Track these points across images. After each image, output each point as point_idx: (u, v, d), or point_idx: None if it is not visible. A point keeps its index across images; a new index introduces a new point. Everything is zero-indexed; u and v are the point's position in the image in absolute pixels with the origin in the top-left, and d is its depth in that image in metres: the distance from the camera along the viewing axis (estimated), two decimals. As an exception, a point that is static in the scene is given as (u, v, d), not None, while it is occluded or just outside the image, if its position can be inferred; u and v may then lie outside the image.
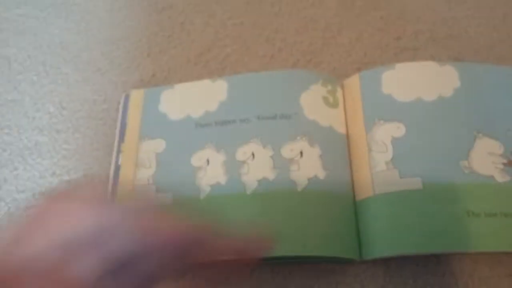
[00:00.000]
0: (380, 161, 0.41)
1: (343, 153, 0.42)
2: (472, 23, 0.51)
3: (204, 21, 0.54)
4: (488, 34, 0.50)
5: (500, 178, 0.39)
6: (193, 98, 0.46)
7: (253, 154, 0.42)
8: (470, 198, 0.38)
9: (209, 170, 0.42)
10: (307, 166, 0.41)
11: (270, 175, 0.41)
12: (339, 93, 0.46)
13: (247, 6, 0.55)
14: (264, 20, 0.53)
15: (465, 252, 0.38)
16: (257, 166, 0.41)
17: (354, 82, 0.46)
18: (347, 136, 0.44)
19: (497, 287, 0.38)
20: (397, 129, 0.42)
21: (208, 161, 0.42)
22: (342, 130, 0.44)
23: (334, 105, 0.45)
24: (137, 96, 0.48)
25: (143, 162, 0.44)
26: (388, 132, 0.42)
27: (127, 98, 0.48)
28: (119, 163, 0.45)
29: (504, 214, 0.37)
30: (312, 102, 0.44)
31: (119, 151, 0.45)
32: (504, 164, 0.40)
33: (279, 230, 0.38)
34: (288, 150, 0.42)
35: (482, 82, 0.44)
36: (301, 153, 0.41)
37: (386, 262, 0.39)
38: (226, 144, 0.43)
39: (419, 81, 0.44)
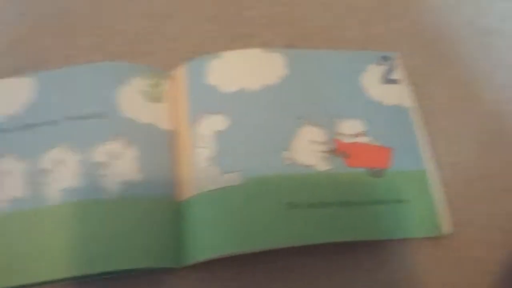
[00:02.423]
0: (202, 157, 0.41)
1: (166, 152, 0.42)
2: (306, 6, 0.52)
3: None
4: (320, 17, 0.52)
5: (321, 167, 0.41)
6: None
7: (59, 161, 0.40)
8: (290, 190, 0.39)
9: (7, 183, 0.39)
10: (121, 170, 0.40)
11: (76, 183, 0.39)
12: (164, 86, 0.45)
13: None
14: (86, 7, 0.51)
15: (287, 246, 0.38)
16: (61, 174, 0.39)
17: (180, 73, 0.45)
18: (174, 132, 0.43)
19: (319, 279, 0.39)
20: (220, 122, 0.42)
21: (6, 173, 0.40)
22: (166, 126, 0.43)
23: (157, 99, 0.44)
24: None
25: None
26: (211, 125, 0.42)
27: None
28: None
29: (324, 204, 0.39)
30: (130, 97, 0.43)
31: None
32: (326, 152, 0.41)
33: (85, 245, 0.37)
34: (100, 153, 0.40)
35: (307, 68, 0.45)
36: (115, 155, 0.40)
37: (208, 266, 0.39)
38: (30, 152, 0.40)
39: (244, 70, 0.44)
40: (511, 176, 0.44)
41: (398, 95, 0.46)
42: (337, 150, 0.42)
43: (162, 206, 0.39)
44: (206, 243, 0.38)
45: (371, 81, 0.46)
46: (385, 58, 0.48)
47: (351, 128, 0.43)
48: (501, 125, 0.46)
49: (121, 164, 0.40)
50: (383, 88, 0.46)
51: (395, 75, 0.47)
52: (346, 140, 0.42)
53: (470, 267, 0.40)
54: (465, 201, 0.42)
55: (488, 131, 0.46)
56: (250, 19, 0.51)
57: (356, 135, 0.43)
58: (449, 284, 0.39)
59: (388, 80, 0.47)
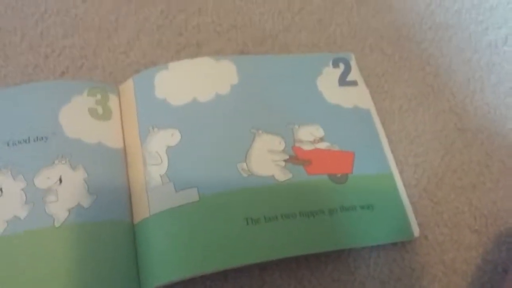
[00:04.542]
0: (155, 175, 0.39)
1: (117, 171, 0.40)
2: (256, 11, 0.51)
3: None
4: (272, 22, 0.50)
5: (281, 177, 0.39)
6: None
7: (1, 190, 0.37)
8: (249, 204, 0.37)
9: None
10: (68, 194, 0.37)
11: (22, 212, 0.36)
12: (113, 102, 0.43)
13: (7, 9, 0.50)
14: (25, 23, 0.49)
15: (250, 264, 0.36)
16: (5, 204, 0.37)
17: (128, 87, 0.43)
18: (124, 150, 0.41)
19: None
20: (171, 137, 0.40)
21: None
22: (116, 144, 0.41)
23: (105, 117, 0.42)
24: None
25: None
26: (162, 141, 0.40)
27: None
28: None
29: (284, 216, 0.37)
30: (75, 117, 0.41)
31: None
32: (285, 160, 0.40)
33: (34, 277, 0.34)
34: (44, 179, 0.38)
35: (260, 75, 0.44)
36: (61, 179, 0.38)
37: (170, 290, 0.37)
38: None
39: (194, 80, 0.43)
40: (475, 172, 0.43)
41: (357, 97, 0.45)
42: (297, 158, 0.40)
43: (116, 230, 0.37)
44: (163, 266, 0.36)
45: (328, 84, 0.45)
46: (340, 60, 0.47)
47: (310, 134, 0.42)
48: (463, 122, 0.46)
49: (68, 188, 0.37)
50: (341, 90, 0.45)
51: (351, 77, 0.46)
52: (306, 147, 0.41)
53: (441, 270, 0.39)
54: (431, 202, 0.41)
55: (450, 128, 0.45)
56: (198, 27, 0.50)
57: (315, 141, 0.41)
58: (421, 289, 0.38)
59: (345, 82, 0.46)
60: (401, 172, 0.42)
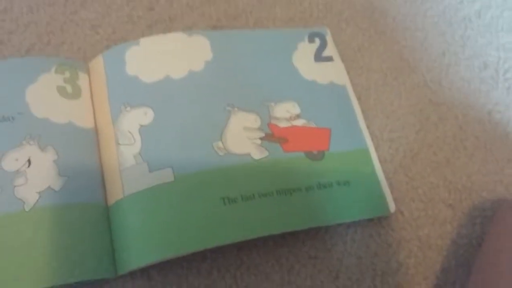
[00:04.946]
0: (128, 155, 0.38)
1: (88, 152, 0.38)
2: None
3: None
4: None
5: (257, 155, 0.38)
6: None
7: (-35, 173, 0.36)
8: (225, 183, 0.37)
9: None
10: (38, 176, 0.36)
11: (-12, 196, 0.35)
12: (82, 80, 0.41)
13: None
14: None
15: (227, 244, 0.36)
16: (-30, 188, 0.35)
17: (98, 64, 0.42)
18: (96, 130, 0.39)
19: (266, 273, 0.37)
20: (144, 115, 0.39)
21: None
22: (87, 124, 0.39)
23: (75, 95, 0.40)
24: None
25: None
26: (135, 120, 0.39)
27: None
28: None
29: (261, 194, 0.37)
30: (42, 96, 0.39)
31: None
32: (261, 138, 0.39)
33: (4, 264, 0.33)
34: (12, 161, 0.36)
35: (235, 51, 0.43)
36: (29, 161, 0.36)
37: (146, 272, 0.36)
38: None
39: (166, 56, 0.41)
40: (450, 147, 0.43)
41: (332, 72, 0.44)
42: (273, 136, 0.39)
43: (89, 213, 0.36)
44: (139, 249, 0.35)
45: (304, 60, 0.44)
46: (315, 35, 0.46)
47: (286, 112, 0.41)
48: (438, 96, 0.46)
49: (38, 170, 0.36)
50: (317, 66, 0.44)
51: (327, 52, 0.45)
52: (282, 124, 0.40)
53: (416, 245, 0.39)
54: (407, 177, 0.41)
55: (425, 103, 0.45)
56: (170, 1, 0.48)
57: (291, 118, 0.40)
58: (397, 264, 0.38)
59: (321, 58, 0.45)
60: (376, 148, 0.42)
